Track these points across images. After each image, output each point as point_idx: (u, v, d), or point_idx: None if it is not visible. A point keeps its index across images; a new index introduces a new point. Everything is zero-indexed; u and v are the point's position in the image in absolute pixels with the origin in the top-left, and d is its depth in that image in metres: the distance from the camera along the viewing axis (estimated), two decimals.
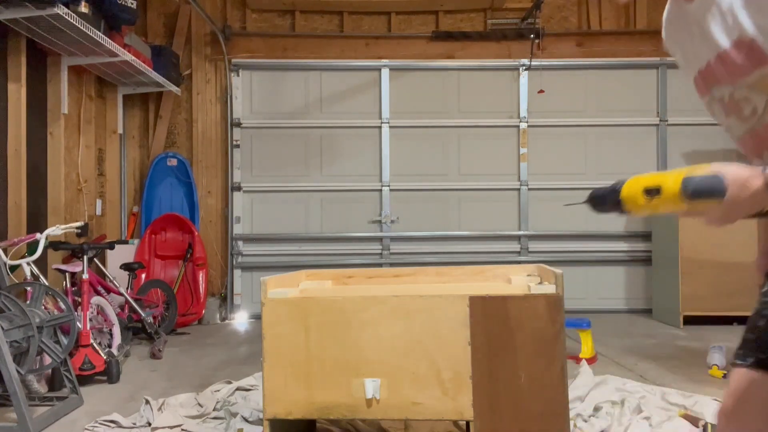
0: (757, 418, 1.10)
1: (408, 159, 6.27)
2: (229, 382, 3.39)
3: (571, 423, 2.57)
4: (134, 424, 2.83)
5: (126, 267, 4.91)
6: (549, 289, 1.99)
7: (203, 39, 6.21)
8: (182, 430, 2.75)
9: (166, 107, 6.15)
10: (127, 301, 4.58)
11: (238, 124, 6.21)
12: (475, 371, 1.99)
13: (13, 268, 3.60)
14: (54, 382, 3.33)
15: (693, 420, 2.66)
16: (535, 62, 6.07)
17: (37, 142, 4.71)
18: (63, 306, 3.32)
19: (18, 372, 2.78)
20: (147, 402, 2.99)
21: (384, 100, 6.26)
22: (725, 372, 3.55)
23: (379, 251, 6.23)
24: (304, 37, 6.26)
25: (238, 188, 6.22)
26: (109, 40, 4.58)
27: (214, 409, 2.96)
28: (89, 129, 5.41)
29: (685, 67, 1.22)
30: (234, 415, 2.81)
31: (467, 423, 2.47)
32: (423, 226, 6.25)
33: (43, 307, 3.18)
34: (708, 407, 2.77)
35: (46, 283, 3.49)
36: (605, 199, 1.16)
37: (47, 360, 3.18)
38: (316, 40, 6.27)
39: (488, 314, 1.99)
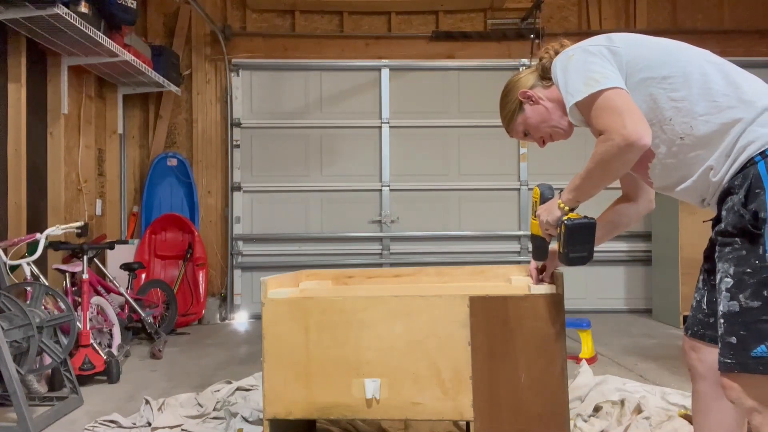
0: None
1: (408, 159, 6.27)
2: (229, 382, 3.39)
3: (571, 423, 2.57)
4: (134, 424, 2.83)
5: (126, 267, 4.91)
6: (549, 289, 1.99)
7: (203, 39, 6.21)
8: (182, 430, 2.75)
9: (166, 107, 6.15)
10: (127, 301, 4.58)
11: (238, 124, 6.21)
12: (476, 371, 1.99)
13: (13, 268, 3.60)
14: (54, 382, 3.33)
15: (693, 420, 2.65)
16: (535, 62, 6.07)
17: (37, 142, 4.71)
18: (63, 306, 3.32)
19: (18, 372, 2.78)
20: (147, 402, 2.99)
21: (384, 100, 6.26)
22: None
23: (379, 251, 6.23)
24: (304, 37, 6.26)
25: (238, 188, 6.22)
26: (109, 40, 4.57)
27: (214, 409, 2.96)
28: (89, 129, 5.41)
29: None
30: (234, 415, 2.81)
31: (467, 423, 2.47)
32: (423, 226, 6.25)
33: (43, 307, 3.17)
34: None
35: (46, 283, 3.48)
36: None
37: (47, 360, 3.17)
38: (316, 40, 6.27)
39: (488, 314, 1.99)
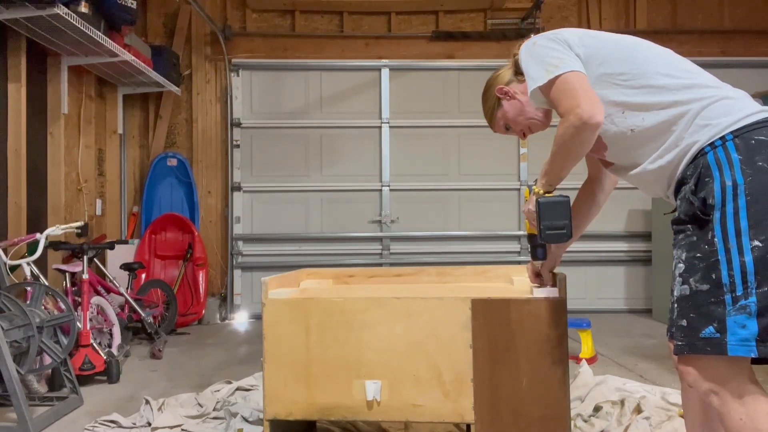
0: None
1: (408, 159, 6.27)
2: (229, 382, 3.39)
3: (571, 423, 2.57)
4: (134, 424, 2.83)
5: (126, 267, 4.91)
6: (552, 292, 1.99)
7: (203, 39, 6.21)
8: (182, 430, 2.75)
9: (166, 107, 6.15)
10: (127, 301, 4.58)
11: (238, 124, 6.21)
12: (477, 374, 1.98)
13: (13, 268, 3.60)
14: (54, 382, 3.33)
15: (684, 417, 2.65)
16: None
17: (37, 142, 4.71)
18: (63, 306, 3.32)
19: (18, 372, 2.78)
20: (147, 402, 2.99)
21: (384, 100, 6.25)
22: None
23: (379, 251, 6.23)
24: (304, 37, 6.26)
25: (238, 188, 6.21)
26: (109, 40, 4.57)
27: (214, 409, 2.96)
28: (89, 129, 5.40)
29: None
30: (234, 415, 2.81)
31: (468, 426, 2.47)
32: (423, 226, 6.24)
33: (43, 307, 3.17)
34: None
35: (46, 283, 3.48)
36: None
37: (47, 360, 3.17)
38: (316, 40, 6.26)
39: (490, 317, 1.99)
